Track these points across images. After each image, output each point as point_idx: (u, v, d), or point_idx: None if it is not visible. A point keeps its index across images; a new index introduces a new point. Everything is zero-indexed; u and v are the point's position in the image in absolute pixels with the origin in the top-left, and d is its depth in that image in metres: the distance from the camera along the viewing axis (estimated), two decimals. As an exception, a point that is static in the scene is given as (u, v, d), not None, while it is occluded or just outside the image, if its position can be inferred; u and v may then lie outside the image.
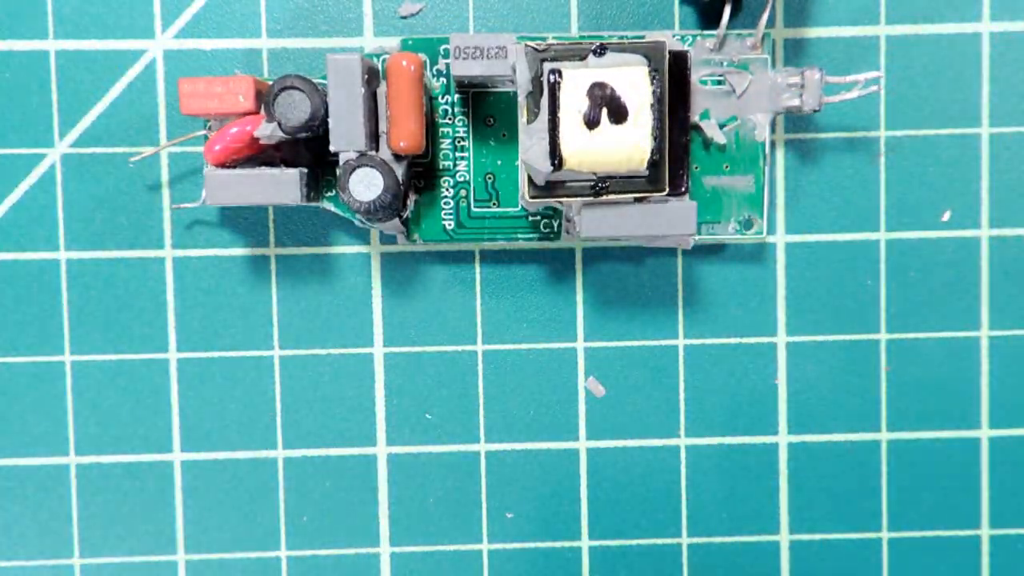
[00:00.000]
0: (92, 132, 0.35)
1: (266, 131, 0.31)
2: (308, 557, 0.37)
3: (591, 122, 0.30)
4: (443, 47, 0.33)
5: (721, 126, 0.34)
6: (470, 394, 0.36)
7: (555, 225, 0.34)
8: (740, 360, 0.36)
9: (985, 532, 0.37)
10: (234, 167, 0.32)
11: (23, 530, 0.36)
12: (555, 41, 0.31)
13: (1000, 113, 0.36)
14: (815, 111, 0.33)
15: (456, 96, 0.33)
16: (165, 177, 0.35)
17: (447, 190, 0.34)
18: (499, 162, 0.34)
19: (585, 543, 0.37)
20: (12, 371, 0.36)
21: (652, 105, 0.30)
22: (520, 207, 0.34)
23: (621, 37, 0.33)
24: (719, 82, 0.33)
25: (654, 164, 0.30)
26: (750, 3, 0.35)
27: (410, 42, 0.33)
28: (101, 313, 0.36)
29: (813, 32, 0.35)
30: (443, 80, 0.33)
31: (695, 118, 0.33)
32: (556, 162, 0.30)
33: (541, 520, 0.37)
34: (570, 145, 0.30)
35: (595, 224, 0.31)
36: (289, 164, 0.33)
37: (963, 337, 0.36)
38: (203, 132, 0.34)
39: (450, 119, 0.34)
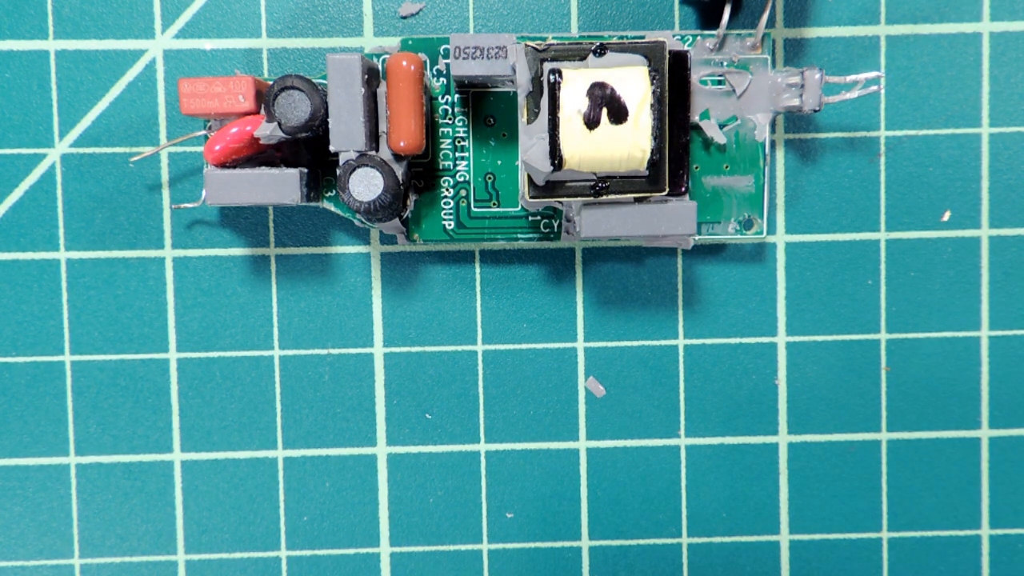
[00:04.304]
0: (92, 132, 0.35)
1: (266, 131, 0.31)
2: (308, 557, 0.37)
3: (591, 122, 0.30)
4: (443, 47, 0.33)
5: (721, 126, 0.34)
6: (470, 394, 0.36)
7: (555, 225, 0.34)
8: (740, 360, 0.36)
9: (985, 532, 0.37)
10: (234, 167, 0.32)
11: (23, 530, 0.36)
12: (555, 41, 0.31)
13: (1000, 113, 0.36)
14: (815, 111, 0.33)
15: (456, 96, 0.33)
16: (165, 177, 0.35)
17: (447, 190, 0.34)
18: (499, 162, 0.34)
19: (585, 543, 0.37)
20: (12, 371, 0.36)
21: (652, 105, 0.30)
22: (520, 207, 0.34)
23: (621, 37, 0.33)
24: (719, 82, 0.33)
25: (654, 164, 0.30)
26: (750, 3, 0.35)
27: (410, 42, 0.33)
28: (101, 313, 0.36)
29: (813, 32, 0.35)
30: (443, 80, 0.33)
31: (695, 118, 0.33)
32: (556, 162, 0.30)
33: (541, 520, 0.37)
34: (570, 145, 0.30)
35: (595, 224, 0.31)
36: (289, 164, 0.33)
37: (963, 337, 0.36)
38: (203, 132, 0.34)
39: (450, 119, 0.34)
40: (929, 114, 0.36)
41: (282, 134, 0.31)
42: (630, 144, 0.30)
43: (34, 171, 0.35)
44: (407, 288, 0.36)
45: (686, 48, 0.32)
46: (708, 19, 0.35)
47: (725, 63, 0.33)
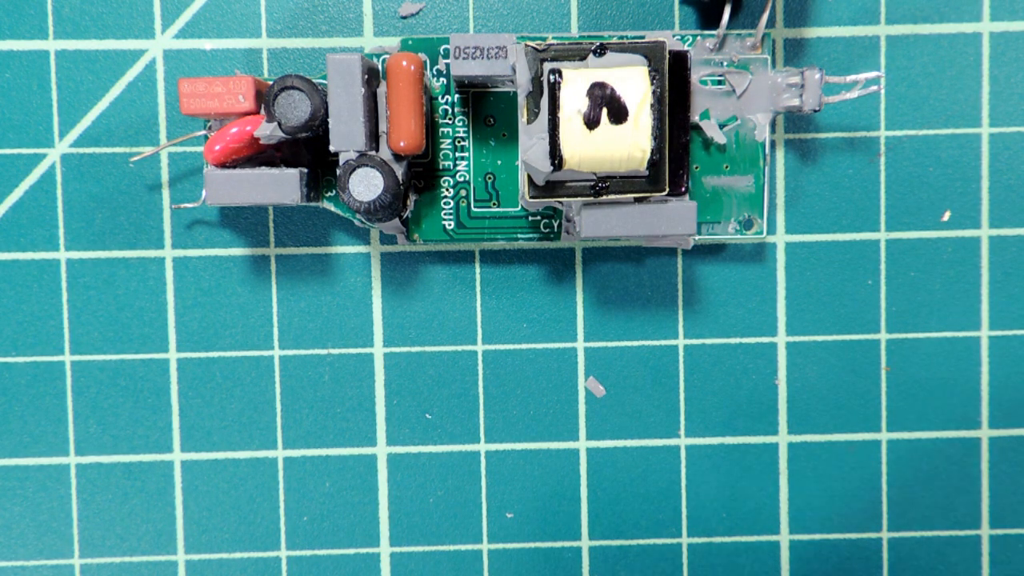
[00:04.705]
0: (92, 132, 0.35)
1: (266, 131, 0.31)
2: (308, 557, 0.37)
3: (591, 122, 0.30)
4: (443, 47, 0.33)
5: (721, 126, 0.34)
6: (470, 394, 0.36)
7: (555, 225, 0.34)
8: (740, 360, 0.36)
9: (985, 532, 0.37)
10: (234, 167, 0.32)
11: (23, 530, 0.36)
12: (555, 41, 0.31)
13: (1000, 113, 0.36)
14: (815, 111, 0.33)
15: (456, 96, 0.33)
16: (165, 177, 0.35)
17: (447, 190, 0.34)
18: (499, 162, 0.34)
19: (585, 543, 0.37)
20: (12, 371, 0.36)
21: (652, 105, 0.30)
22: (520, 207, 0.34)
23: (621, 37, 0.33)
24: (719, 82, 0.33)
25: (654, 164, 0.30)
26: (750, 3, 0.35)
27: (410, 42, 0.33)
28: (101, 313, 0.36)
29: (813, 32, 0.35)
30: (443, 80, 0.33)
31: (695, 118, 0.33)
32: (556, 162, 0.30)
33: (541, 520, 0.37)
34: (570, 145, 0.30)
35: (595, 224, 0.31)
36: (289, 164, 0.33)
37: (963, 337, 0.36)
38: (203, 132, 0.34)
39: (450, 119, 0.34)
40: (929, 114, 0.36)
41: (282, 134, 0.31)
42: (630, 144, 0.30)
43: (34, 171, 0.35)
44: (407, 288, 0.36)
45: (686, 48, 0.32)
46: (708, 19, 0.35)
47: (725, 63, 0.33)
